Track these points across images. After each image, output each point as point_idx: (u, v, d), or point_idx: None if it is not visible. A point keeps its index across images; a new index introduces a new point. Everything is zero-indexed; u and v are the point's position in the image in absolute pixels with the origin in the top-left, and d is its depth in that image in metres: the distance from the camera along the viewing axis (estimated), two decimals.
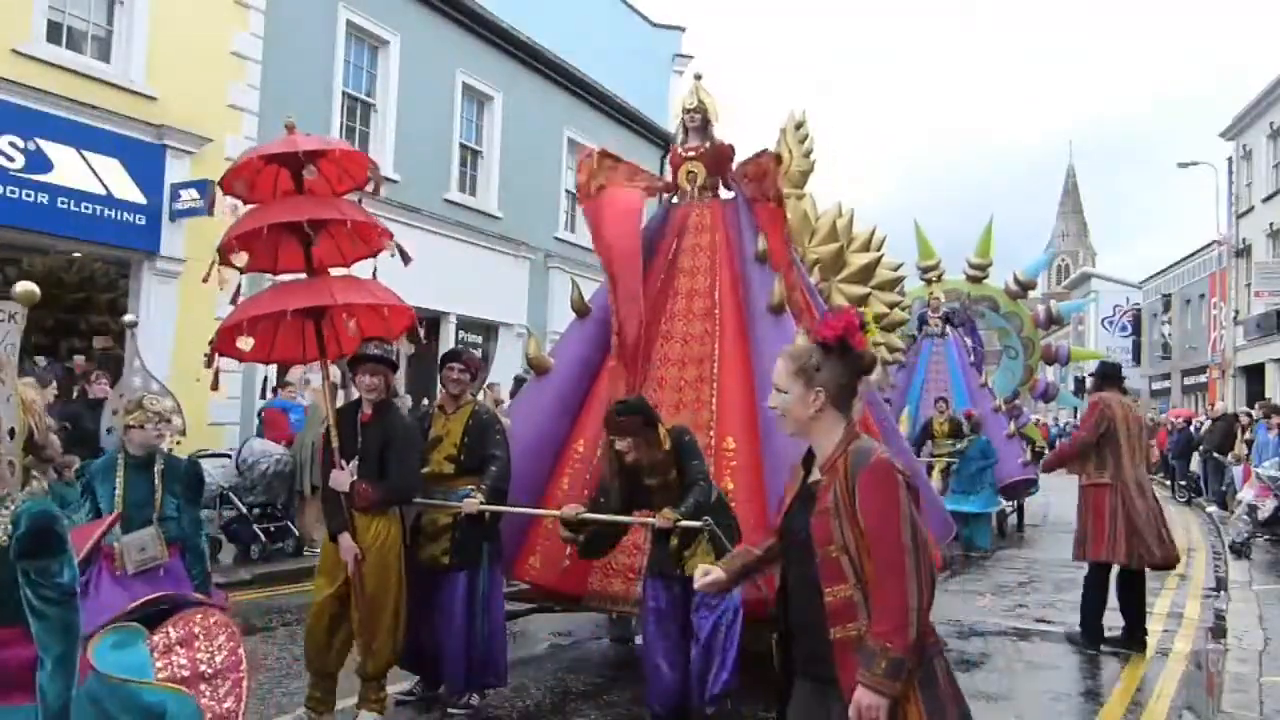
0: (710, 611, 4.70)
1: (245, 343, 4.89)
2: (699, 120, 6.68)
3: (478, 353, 17.06)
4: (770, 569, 2.79)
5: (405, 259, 5.06)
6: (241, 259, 4.85)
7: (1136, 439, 7.07)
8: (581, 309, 6.61)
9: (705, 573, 2.78)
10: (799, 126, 11.34)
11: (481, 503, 5.07)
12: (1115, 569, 7.07)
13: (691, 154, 6.73)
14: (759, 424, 5.77)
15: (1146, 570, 7.09)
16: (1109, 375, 7.59)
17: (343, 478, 4.88)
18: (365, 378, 4.97)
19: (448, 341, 16.04)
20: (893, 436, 6.85)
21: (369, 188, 5.15)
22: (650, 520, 4.74)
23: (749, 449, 5.77)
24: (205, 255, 5.22)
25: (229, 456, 9.98)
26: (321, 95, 13.63)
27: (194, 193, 10.93)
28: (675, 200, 6.90)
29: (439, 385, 5.59)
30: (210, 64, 11.76)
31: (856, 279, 11.65)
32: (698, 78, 6.80)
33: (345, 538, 4.89)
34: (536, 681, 5.89)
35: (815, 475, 2.57)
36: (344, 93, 14.14)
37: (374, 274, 5.26)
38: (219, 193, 5.32)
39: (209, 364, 4.97)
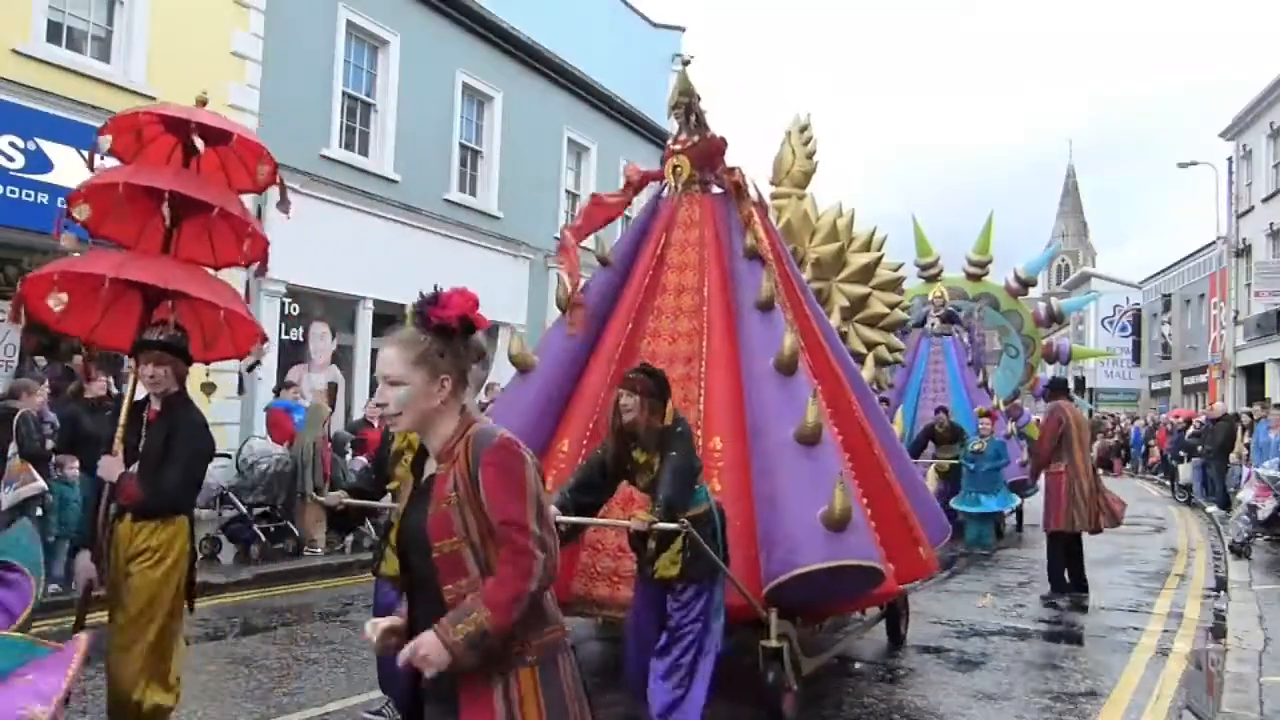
0: (676, 631, 4.57)
1: (56, 300, 4.40)
2: (682, 114, 6.55)
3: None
4: None
5: (262, 270, 4.82)
6: (83, 211, 4.45)
7: (1084, 434, 9.43)
8: (567, 306, 6.40)
9: (374, 626, 2.37)
10: (804, 129, 11.37)
11: None
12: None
13: (678, 148, 6.60)
14: (746, 424, 5.67)
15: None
16: (1059, 387, 10.14)
17: (112, 465, 4.24)
18: (147, 368, 4.27)
19: None
20: (886, 436, 6.74)
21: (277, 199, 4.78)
22: (626, 523, 4.61)
23: (736, 449, 5.64)
24: None
25: (229, 456, 10.00)
26: (321, 95, 13.63)
27: None
28: (664, 194, 6.75)
29: None
30: (210, 64, 11.76)
31: (857, 279, 11.67)
32: (685, 63, 6.67)
33: (83, 556, 4.30)
34: None
35: (431, 468, 2.38)
36: (344, 93, 14.14)
37: (247, 286, 4.83)
38: (101, 146, 4.70)
39: (14, 317, 4.53)
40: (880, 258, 12.05)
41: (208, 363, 4.86)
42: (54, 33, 10.50)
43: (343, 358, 14.49)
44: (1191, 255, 36.67)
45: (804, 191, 11.41)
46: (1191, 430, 20.66)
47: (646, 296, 6.36)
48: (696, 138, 6.57)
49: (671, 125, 6.83)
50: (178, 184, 4.48)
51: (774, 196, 11.21)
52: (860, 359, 9.07)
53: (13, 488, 7.15)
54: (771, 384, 5.64)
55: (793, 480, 5.24)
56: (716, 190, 6.67)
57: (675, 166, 6.59)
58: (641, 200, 7.26)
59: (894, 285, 12.48)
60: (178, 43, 11.28)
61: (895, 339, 12.59)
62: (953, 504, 11.73)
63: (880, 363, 12.07)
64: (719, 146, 6.58)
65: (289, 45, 12.91)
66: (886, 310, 11.99)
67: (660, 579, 4.63)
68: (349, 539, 10.47)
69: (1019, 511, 14.56)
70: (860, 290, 11.67)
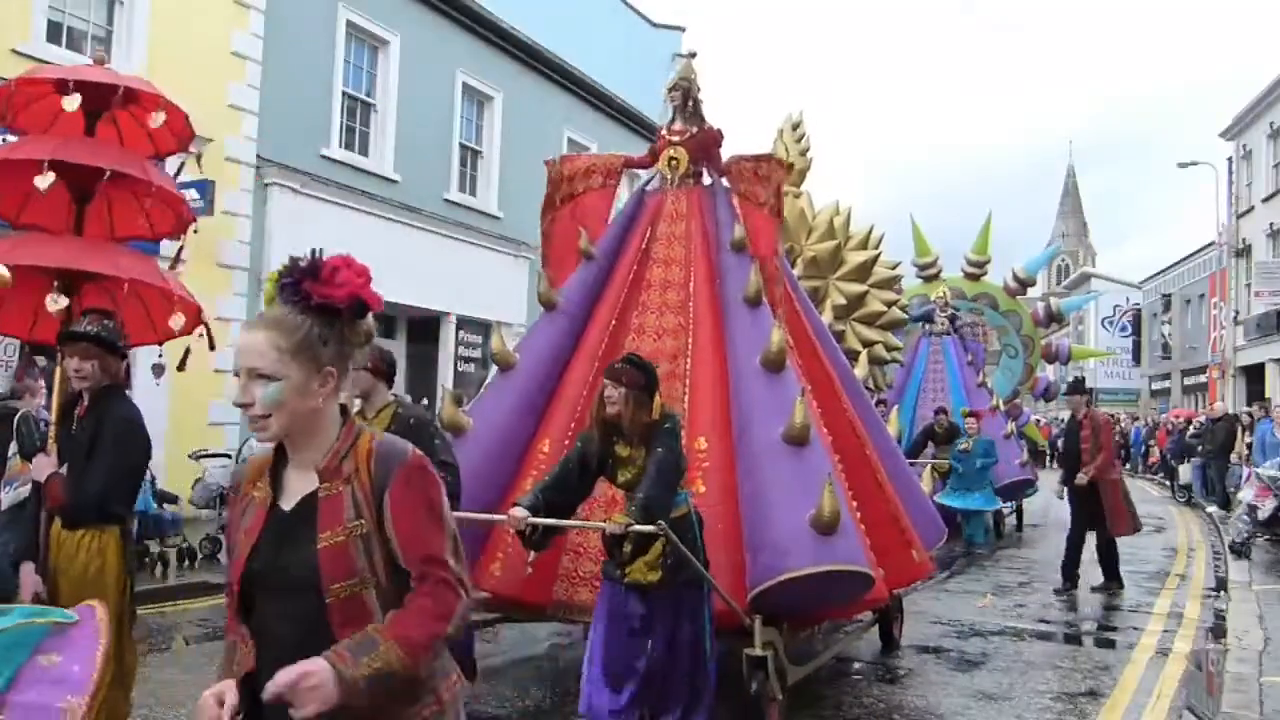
0: (674, 644, 4.43)
1: None
2: (679, 98, 6.31)
3: (471, 350, 17.08)
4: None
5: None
6: None
7: None
8: (549, 301, 6.18)
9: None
10: (796, 127, 11.38)
11: None
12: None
13: (676, 139, 6.33)
14: (732, 423, 5.48)
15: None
16: (1085, 389, 10.08)
17: (44, 465, 3.94)
18: (72, 361, 3.91)
19: (448, 341, 16.06)
20: (880, 437, 6.61)
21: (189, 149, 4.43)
22: (601, 524, 4.47)
23: (721, 449, 5.39)
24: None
25: (229, 456, 10.00)
26: (321, 95, 13.63)
27: (194, 193, 10.92)
28: (651, 187, 6.54)
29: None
30: (210, 64, 11.76)
31: (853, 277, 11.68)
32: (691, 55, 6.41)
33: (27, 569, 3.85)
34: (536, 681, 5.89)
35: (309, 486, 1.90)
36: (344, 93, 14.14)
37: (179, 255, 4.53)
38: None
39: None
40: (878, 255, 12.05)
41: (160, 344, 4.59)
42: (54, 32, 10.49)
43: None
44: (1191, 255, 36.67)
45: (799, 189, 11.42)
46: (1191, 430, 20.67)
47: (631, 292, 6.14)
48: (694, 129, 6.33)
49: (665, 113, 6.55)
50: (60, 152, 4.01)
51: None
52: (854, 357, 9.01)
53: (13, 488, 7.15)
54: (758, 382, 5.45)
55: (779, 481, 5.03)
56: (706, 181, 6.46)
57: (672, 159, 6.34)
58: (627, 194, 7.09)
59: (891, 283, 12.48)
60: (178, 43, 11.27)
61: (893, 337, 12.58)
62: (939, 499, 11.70)
63: (878, 361, 12.07)
64: (716, 138, 6.36)
65: (289, 45, 12.91)
66: (884, 308, 11.98)
67: (635, 583, 4.44)
68: None
69: (1019, 511, 14.57)
70: (857, 288, 11.67)
